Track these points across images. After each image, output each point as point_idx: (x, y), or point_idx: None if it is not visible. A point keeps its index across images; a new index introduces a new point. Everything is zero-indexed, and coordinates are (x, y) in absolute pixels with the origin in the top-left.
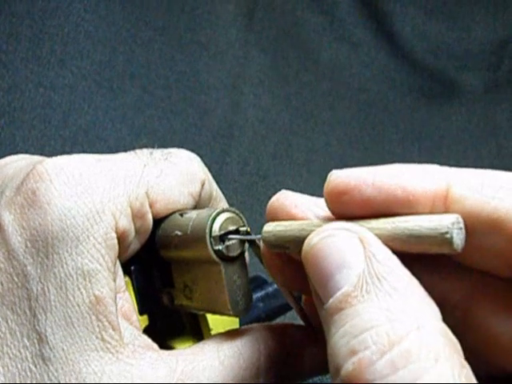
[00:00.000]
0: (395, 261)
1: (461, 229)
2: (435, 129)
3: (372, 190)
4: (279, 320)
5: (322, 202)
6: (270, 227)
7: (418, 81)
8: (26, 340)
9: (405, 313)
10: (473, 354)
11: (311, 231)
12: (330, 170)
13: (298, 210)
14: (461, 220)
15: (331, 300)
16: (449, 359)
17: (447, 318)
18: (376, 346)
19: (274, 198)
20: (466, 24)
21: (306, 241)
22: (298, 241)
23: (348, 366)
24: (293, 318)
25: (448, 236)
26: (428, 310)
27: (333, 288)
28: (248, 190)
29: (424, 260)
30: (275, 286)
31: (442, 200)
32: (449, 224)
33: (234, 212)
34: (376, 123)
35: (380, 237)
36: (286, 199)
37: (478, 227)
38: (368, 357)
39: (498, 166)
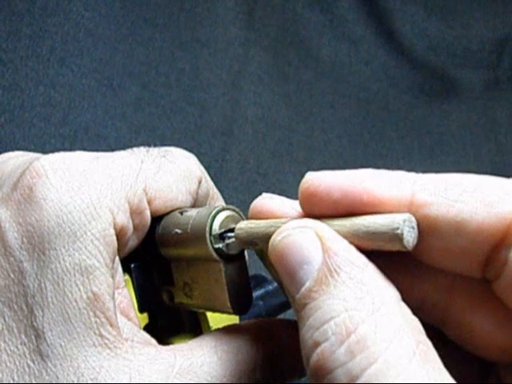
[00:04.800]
0: (351, 251)
1: (413, 228)
2: (435, 126)
3: (339, 194)
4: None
5: (298, 204)
6: (242, 224)
7: (417, 78)
8: (23, 336)
9: (361, 300)
10: (454, 345)
11: (278, 228)
12: (330, 167)
13: (275, 213)
14: (413, 219)
15: (297, 296)
16: (403, 338)
17: (428, 316)
18: (335, 336)
19: (254, 203)
20: (465, 22)
21: (270, 241)
22: (267, 238)
23: (314, 358)
24: (293, 316)
25: (399, 232)
26: (384, 293)
27: (297, 284)
28: (248, 188)
29: (403, 263)
30: (275, 284)
31: (407, 205)
32: (400, 221)
33: (233, 210)
34: (376, 121)
35: (339, 234)
36: (265, 204)
37: (443, 230)
38: (328, 347)
39: (497, 163)
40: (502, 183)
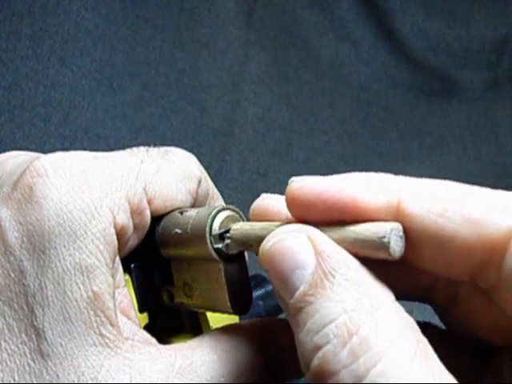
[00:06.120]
0: (344, 254)
1: (400, 237)
2: (435, 126)
3: (325, 204)
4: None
5: None
6: (237, 226)
7: (417, 79)
8: (24, 336)
9: (359, 301)
10: (459, 329)
11: (271, 231)
12: (330, 167)
13: (276, 213)
14: (401, 228)
15: (291, 301)
16: (404, 337)
17: (439, 296)
18: (337, 339)
19: (254, 205)
20: (465, 22)
21: (261, 246)
22: (260, 240)
23: (315, 362)
24: None
25: (385, 240)
26: (380, 294)
27: (291, 289)
28: (248, 188)
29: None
30: None
31: (393, 214)
32: (387, 230)
33: (233, 210)
34: (376, 121)
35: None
36: (265, 204)
37: (427, 243)
38: (331, 350)
39: (497, 164)
40: (488, 198)
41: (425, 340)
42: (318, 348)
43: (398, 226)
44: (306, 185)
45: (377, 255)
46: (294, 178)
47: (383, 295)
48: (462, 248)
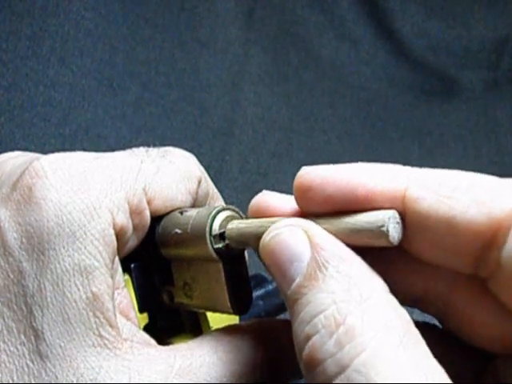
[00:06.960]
0: (338, 245)
1: (398, 223)
2: (435, 126)
3: (333, 188)
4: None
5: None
6: (233, 224)
7: (418, 78)
8: (23, 337)
9: (348, 292)
10: (449, 342)
11: (267, 227)
12: None
13: (274, 210)
14: (397, 215)
15: (289, 292)
16: (391, 327)
17: (429, 307)
18: (325, 329)
19: (254, 200)
20: (466, 22)
21: (261, 241)
22: (257, 237)
23: (305, 351)
24: None
25: (384, 229)
26: (372, 285)
27: (289, 281)
28: (248, 188)
29: (403, 256)
30: (275, 284)
31: (400, 199)
32: (385, 219)
33: (233, 210)
34: (376, 121)
35: (328, 232)
36: (264, 201)
37: (433, 226)
38: (319, 339)
39: (497, 164)
40: (496, 183)
41: (415, 331)
42: (309, 338)
43: (393, 213)
44: (314, 171)
45: (376, 243)
46: (304, 167)
47: (375, 286)
48: (468, 230)
